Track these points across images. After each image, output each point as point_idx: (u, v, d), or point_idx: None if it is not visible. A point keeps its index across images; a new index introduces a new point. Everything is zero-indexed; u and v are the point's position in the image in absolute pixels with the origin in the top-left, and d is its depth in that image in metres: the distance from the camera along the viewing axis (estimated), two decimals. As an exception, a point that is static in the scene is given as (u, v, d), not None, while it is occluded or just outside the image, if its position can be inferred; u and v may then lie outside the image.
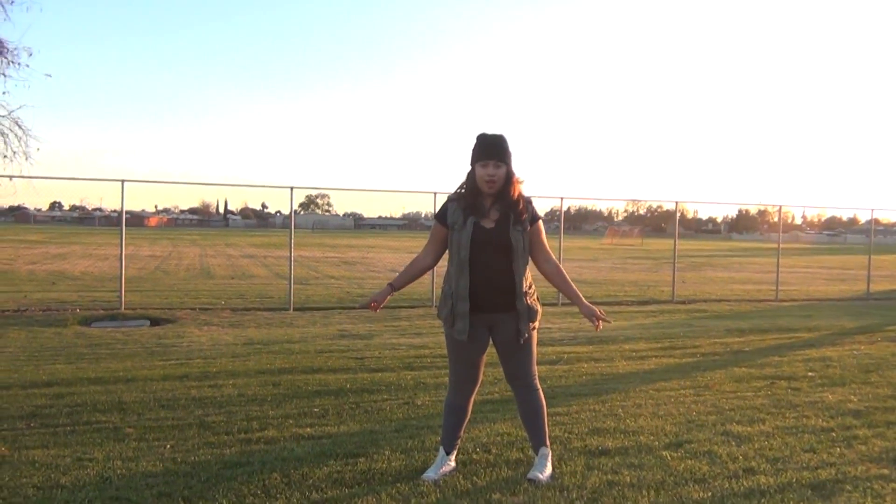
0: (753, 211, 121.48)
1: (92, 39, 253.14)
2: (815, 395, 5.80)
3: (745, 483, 3.71)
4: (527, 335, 3.71)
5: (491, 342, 3.81)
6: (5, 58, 11.25)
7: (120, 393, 5.55)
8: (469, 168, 3.75)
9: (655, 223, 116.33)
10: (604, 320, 3.73)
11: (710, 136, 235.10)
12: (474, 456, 4.06)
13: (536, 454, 3.83)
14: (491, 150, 3.67)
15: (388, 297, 3.89)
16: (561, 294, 3.89)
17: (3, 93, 11.66)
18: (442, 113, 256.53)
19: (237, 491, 3.49)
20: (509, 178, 3.69)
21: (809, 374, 6.72)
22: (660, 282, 19.80)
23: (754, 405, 5.42)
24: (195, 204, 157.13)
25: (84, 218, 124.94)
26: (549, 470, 3.75)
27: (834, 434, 4.66)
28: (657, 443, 4.39)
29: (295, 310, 12.30)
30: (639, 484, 3.65)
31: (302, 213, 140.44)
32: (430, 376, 6.38)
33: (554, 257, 3.84)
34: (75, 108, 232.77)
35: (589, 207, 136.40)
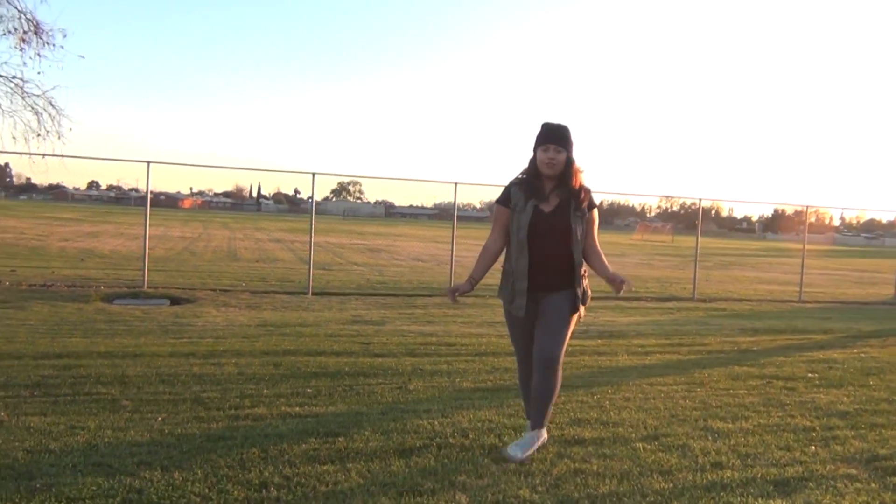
0: (790, 211, 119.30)
1: (127, 21, 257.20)
2: (808, 396, 5.79)
3: (709, 476, 3.77)
4: (578, 313, 3.92)
5: None
6: (41, 39, 11.54)
7: (125, 367, 5.75)
8: (532, 155, 3.91)
9: (689, 220, 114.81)
10: (627, 286, 3.81)
11: (750, 133, 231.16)
12: (451, 440, 4.17)
13: (530, 431, 3.95)
14: (552, 135, 3.85)
15: (470, 289, 3.95)
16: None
17: (38, 73, 11.94)
18: (475, 105, 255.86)
19: (214, 463, 3.64)
20: (569, 165, 3.84)
21: (809, 374, 6.69)
22: (683, 279, 19.63)
23: (743, 403, 5.43)
24: (229, 188, 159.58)
25: (120, 198, 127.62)
26: (530, 451, 3.86)
27: (814, 434, 4.67)
28: (634, 435, 4.45)
29: (314, 294, 12.48)
30: (604, 473, 3.73)
31: (334, 199, 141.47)
32: (429, 363, 6.49)
33: (598, 245, 3.99)
34: (114, 89, 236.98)
35: (622, 202, 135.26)
